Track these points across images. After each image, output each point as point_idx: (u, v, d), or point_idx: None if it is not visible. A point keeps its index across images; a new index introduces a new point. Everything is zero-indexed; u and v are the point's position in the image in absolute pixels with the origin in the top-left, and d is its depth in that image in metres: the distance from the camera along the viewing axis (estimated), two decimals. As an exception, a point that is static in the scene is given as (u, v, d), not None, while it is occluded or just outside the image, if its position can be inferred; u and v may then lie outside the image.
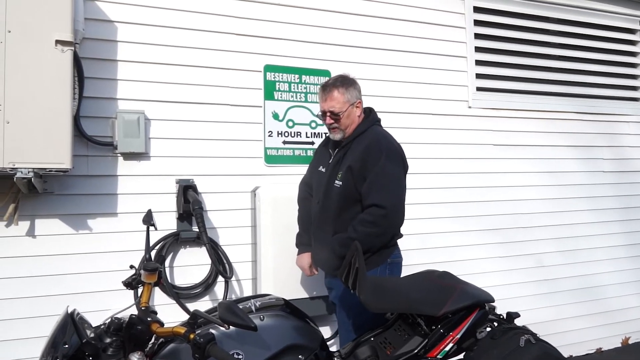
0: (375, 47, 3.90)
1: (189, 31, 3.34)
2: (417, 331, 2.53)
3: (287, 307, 2.32)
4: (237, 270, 3.39)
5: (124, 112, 3.11)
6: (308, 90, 3.67)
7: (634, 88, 5.09)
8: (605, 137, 4.85)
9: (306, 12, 3.67)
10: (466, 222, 4.16)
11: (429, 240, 3.97)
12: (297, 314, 2.34)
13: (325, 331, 3.52)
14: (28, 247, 2.93)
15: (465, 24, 4.28)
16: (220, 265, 3.24)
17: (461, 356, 2.52)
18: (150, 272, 2.00)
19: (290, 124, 3.62)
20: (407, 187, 2.85)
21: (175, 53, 3.30)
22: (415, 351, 2.43)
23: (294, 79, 3.64)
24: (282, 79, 3.60)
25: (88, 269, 3.04)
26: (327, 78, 3.56)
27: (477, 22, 4.34)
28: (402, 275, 2.86)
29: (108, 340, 1.85)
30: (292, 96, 3.63)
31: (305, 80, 3.67)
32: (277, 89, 3.58)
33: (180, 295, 3.19)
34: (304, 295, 3.36)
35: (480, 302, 2.50)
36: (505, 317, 2.59)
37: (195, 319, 1.84)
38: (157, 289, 3.07)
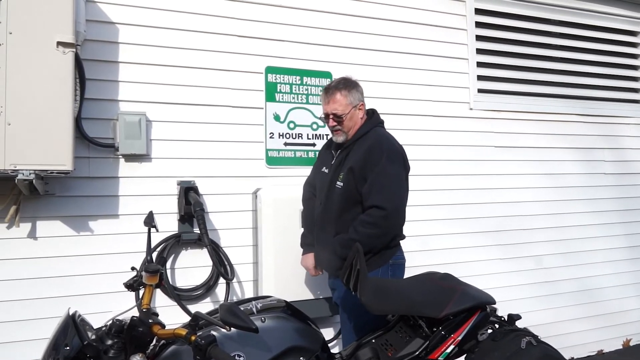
0: (377, 49, 3.90)
1: (190, 33, 3.34)
2: (418, 333, 2.52)
3: (289, 309, 2.32)
4: (238, 272, 3.39)
5: (125, 113, 3.11)
6: (309, 92, 3.67)
7: (635, 90, 5.10)
8: (606, 139, 4.85)
9: (307, 14, 3.68)
10: (467, 224, 4.15)
11: (430, 242, 3.96)
12: (299, 316, 2.33)
13: (328, 332, 3.52)
14: (29, 249, 2.93)
15: (467, 26, 4.28)
16: (222, 267, 3.24)
17: (462, 358, 2.51)
18: (152, 274, 2.00)
19: (292, 125, 3.62)
20: (408, 189, 2.86)
21: (176, 55, 3.30)
22: (417, 353, 2.43)
23: (295, 81, 3.64)
24: (283, 80, 3.60)
25: (89, 270, 3.04)
26: (328, 80, 3.59)
27: (479, 24, 4.34)
28: (404, 277, 2.86)
29: (109, 342, 1.85)
30: (293, 98, 3.63)
31: (306, 82, 3.67)
32: (278, 90, 3.59)
33: (181, 297, 3.19)
34: (306, 296, 3.36)
35: (481, 304, 2.49)
36: (506, 319, 2.59)
37: (197, 321, 1.84)
38: (158, 291, 3.06)
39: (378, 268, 2.73)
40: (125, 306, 2.14)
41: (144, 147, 3.13)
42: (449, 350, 2.41)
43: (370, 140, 2.80)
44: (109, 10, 3.14)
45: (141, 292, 2.08)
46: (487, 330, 2.51)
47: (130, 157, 3.16)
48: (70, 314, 1.94)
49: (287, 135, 3.61)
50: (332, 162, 2.92)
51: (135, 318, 1.87)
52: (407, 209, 2.84)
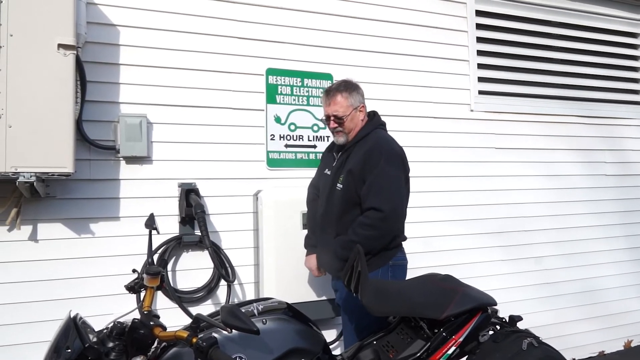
0: (377, 51, 3.90)
1: (191, 35, 3.34)
2: (419, 334, 2.52)
3: (290, 311, 2.32)
4: (239, 274, 3.39)
5: (126, 115, 3.11)
6: (310, 94, 3.68)
7: (635, 92, 5.09)
8: (607, 140, 4.84)
9: (308, 15, 3.68)
10: (468, 225, 4.15)
11: (431, 243, 3.96)
12: (300, 318, 2.33)
13: (331, 334, 3.52)
14: (30, 251, 2.93)
15: (468, 27, 4.28)
16: (223, 268, 3.24)
17: (464, 359, 2.51)
18: (153, 276, 2.00)
19: (293, 127, 3.63)
20: (409, 190, 2.86)
21: (177, 57, 3.31)
22: (418, 354, 2.42)
23: (296, 83, 3.64)
24: (284, 82, 3.60)
25: (90, 273, 3.04)
26: (329, 82, 3.60)
27: (479, 26, 4.35)
28: (405, 278, 2.86)
29: (111, 344, 1.86)
30: (294, 99, 3.63)
31: (307, 84, 3.67)
32: (279, 92, 3.59)
33: (182, 299, 3.19)
34: (307, 298, 3.35)
35: (482, 305, 2.49)
36: (507, 321, 2.59)
37: (198, 323, 1.84)
38: (159, 293, 3.06)
39: (378, 269, 2.73)
40: (126, 308, 2.14)
41: (144, 149, 3.14)
42: (450, 351, 2.41)
43: (370, 142, 2.81)
44: (109, 13, 3.14)
45: (142, 294, 2.09)
46: (488, 331, 2.51)
47: (131, 159, 3.16)
48: (72, 316, 1.94)
49: (288, 137, 3.61)
50: (334, 164, 2.93)
51: (136, 320, 1.87)
52: (409, 211, 2.84)
